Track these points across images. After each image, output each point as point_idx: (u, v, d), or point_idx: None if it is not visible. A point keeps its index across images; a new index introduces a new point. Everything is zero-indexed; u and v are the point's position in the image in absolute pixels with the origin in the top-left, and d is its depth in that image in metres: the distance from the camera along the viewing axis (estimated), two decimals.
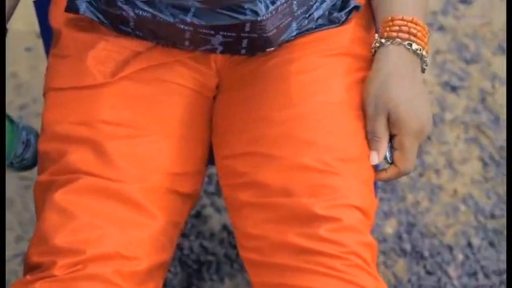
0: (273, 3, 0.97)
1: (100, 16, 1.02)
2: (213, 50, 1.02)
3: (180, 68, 1.04)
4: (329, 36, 1.03)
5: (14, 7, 1.03)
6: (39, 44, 1.75)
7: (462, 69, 1.74)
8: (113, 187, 0.94)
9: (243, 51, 1.02)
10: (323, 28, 1.03)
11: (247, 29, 0.98)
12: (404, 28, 0.98)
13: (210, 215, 1.55)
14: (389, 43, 0.98)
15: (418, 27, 0.99)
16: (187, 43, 1.01)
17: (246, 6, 0.96)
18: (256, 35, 0.99)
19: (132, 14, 0.99)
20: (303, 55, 1.01)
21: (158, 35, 1.01)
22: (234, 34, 0.99)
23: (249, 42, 1.00)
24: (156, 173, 0.98)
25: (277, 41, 1.01)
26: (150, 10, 0.97)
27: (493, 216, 1.54)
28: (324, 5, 1.03)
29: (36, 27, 1.79)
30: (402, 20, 0.99)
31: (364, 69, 1.02)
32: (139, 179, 0.96)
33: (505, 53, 1.76)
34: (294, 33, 1.02)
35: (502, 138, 1.64)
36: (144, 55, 1.03)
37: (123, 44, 1.03)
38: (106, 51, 1.02)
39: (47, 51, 1.23)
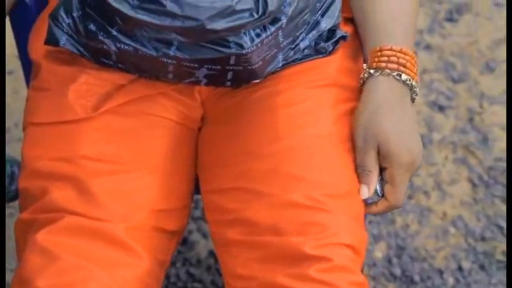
0: (258, 35, 0.95)
1: (81, 49, 1.00)
2: (197, 83, 1.00)
3: (163, 101, 1.02)
4: (316, 67, 1.01)
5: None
6: (20, 67, 1.72)
7: (449, 88, 1.73)
8: (97, 226, 0.92)
9: (228, 83, 1.00)
10: (310, 58, 1.01)
11: (232, 61, 0.96)
12: (393, 58, 0.96)
13: (196, 240, 1.53)
14: (378, 74, 0.97)
15: (407, 57, 0.97)
16: (170, 76, 0.99)
17: (231, 39, 0.94)
18: (241, 68, 0.97)
19: (113, 47, 0.96)
20: (289, 87, 0.99)
21: (141, 68, 0.99)
22: (218, 67, 0.97)
23: (234, 75, 0.98)
24: (140, 210, 0.95)
25: (263, 72, 0.99)
26: (132, 44, 0.95)
27: (483, 238, 1.52)
28: (310, 35, 1.01)
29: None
30: (391, 50, 0.97)
31: (352, 99, 1.00)
32: (123, 217, 0.94)
33: (493, 71, 1.75)
34: (280, 65, 1.00)
35: (490, 158, 1.62)
36: (127, 88, 1.01)
37: (105, 77, 1.00)
38: (87, 85, 0.99)
39: (27, 80, 1.20)
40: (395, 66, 0.96)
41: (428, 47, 1.79)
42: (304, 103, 0.98)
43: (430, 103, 1.70)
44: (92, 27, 0.96)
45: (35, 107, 1.02)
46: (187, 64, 0.96)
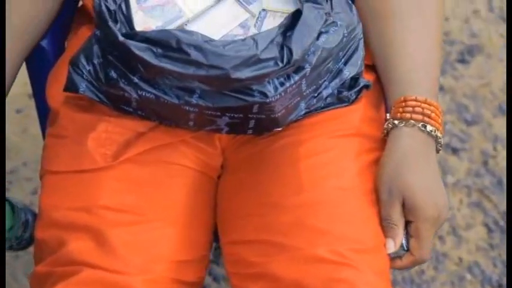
0: (282, 84, 0.93)
1: (100, 96, 0.98)
2: (218, 130, 0.98)
3: (183, 148, 1.00)
4: (338, 116, 0.99)
5: (14, 76, 0.99)
6: (31, 105, 1.70)
7: (462, 130, 1.71)
8: (115, 280, 0.89)
9: (250, 131, 0.98)
10: (332, 107, 1.00)
11: (255, 110, 0.94)
12: (418, 109, 0.95)
13: (208, 284, 1.50)
14: (402, 125, 0.95)
15: (432, 108, 0.95)
16: (191, 123, 0.97)
17: (254, 87, 0.92)
18: (264, 116, 0.95)
19: (134, 95, 0.94)
20: (312, 136, 0.98)
21: (161, 115, 0.97)
22: (241, 115, 0.95)
23: (256, 123, 0.97)
24: (159, 262, 0.93)
25: (285, 121, 0.97)
26: (154, 92, 0.94)
27: (500, 285, 1.50)
28: (333, 84, 1.00)
29: (28, 88, 1.75)
30: (415, 100, 0.95)
31: (375, 149, 0.98)
32: (142, 269, 0.91)
33: (505, 114, 1.73)
34: (303, 113, 0.99)
35: (505, 202, 1.60)
36: (147, 136, 0.99)
37: (125, 125, 0.98)
38: (107, 133, 0.98)
39: (42, 124, 1.19)
40: (420, 117, 0.95)
41: (440, 89, 1.77)
42: (327, 153, 0.97)
43: (444, 145, 1.68)
44: (113, 74, 0.94)
45: (52, 155, 1.00)
46: (209, 112, 0.95)
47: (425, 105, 0.95)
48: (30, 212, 1.12)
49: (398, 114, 0.95)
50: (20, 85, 1.68)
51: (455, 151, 1.68)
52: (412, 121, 0.94)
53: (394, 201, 0.93)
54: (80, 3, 1.14)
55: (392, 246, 0.93)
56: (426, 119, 0.95)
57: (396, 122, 0.95)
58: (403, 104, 0.96)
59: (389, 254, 0.95)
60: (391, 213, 0.93)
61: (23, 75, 1.22)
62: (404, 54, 0.99)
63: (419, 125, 0.95)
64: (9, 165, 1.64)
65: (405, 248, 0.94)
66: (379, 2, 1.01)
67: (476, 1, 1.93)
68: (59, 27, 1.08)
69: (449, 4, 1.90)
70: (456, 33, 1.87)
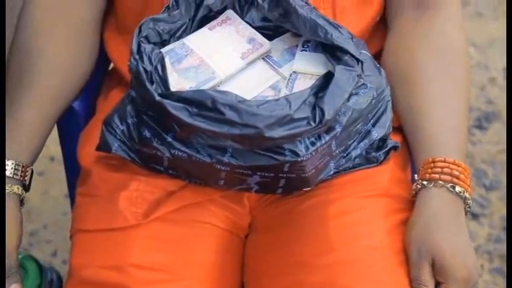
0: (313, 144, 0.95)
1: (132, 155, 0.99)
2: (247, 189, 0.99)
3: (212, 207, 1.01)
4: (367, 177, 1.00)
5: (46, 136, 1.02)
6: (51, 168, 1.72)
7: (482, 196, 1.72)
8: None
9: (280, 190, 0.99)
10: (361, 168, 1.01)
11: (286, 169, 0.95)
12: (447, 170, 0.96)
13: None
14: (431, 185, 0.96)
15: (460, 169, 0.96)
16: (222, 182, 0.98)
17: (286, 147, 0.93)
18: (294, 175, 0.96)
19: (167, 154, 0.96)
20: (341, 196, 0.98)
21: (192, 174, 0.99)
22: (272, 174, 0.96)
23: (286, 182, 0.98)
24: None
25: (315, 180, 0.98)
26: (187, 150, 0.95)
27: None
28: (362, 144, 1.01)
29: (49, 151, 1.76)
30: (444, 161, 0.96)
31: (403, 210, 0.99)
32: None
33: None
34: (332, 172, 1.00)
35: None
36: (177, 195, 1.00)
37: (156, 184, 0.99)
38: (138, 192, 0.99)
39: (70, 185, 1.20)
40: (449, 178, 0.96)
41: None
42: (356, 213, 0.97)
43: None
44: (147, 133, 0.96)
45: (83, 214, 1.01)
46: (241, 171, 0.96)
47: (454, 167, 0.96)
48: (54, 272, 1.12)
49: (427, 175, 0.96)
50: (44, 148, 1.71)
51: (475, 216, 1.68)
52: (441, 182, 0.95)
53: (424, 262, 0.93)
54: (111, 66, 1.16)
55: None
56: (455, 180, 0.96)
57: (425, 182, 0.96)
58: (432, 165, 0.97)
59: None
60: (420, 274, 0.93)
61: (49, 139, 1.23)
62: (432, 117, 1.00)
63: (448, 186, 0.95)
64: (29, 228, 1.65)
65: None
66: (407, 65, 1.03)
67: (491, 69, 1.96)
68: (89, 90, 1.10)
69: None
70: (473, 100, 1.89)
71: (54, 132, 1.13)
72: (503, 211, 1.69)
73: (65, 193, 1.70)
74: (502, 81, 1.93)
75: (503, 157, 1.79)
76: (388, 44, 1.07)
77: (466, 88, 1.03)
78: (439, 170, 0.96)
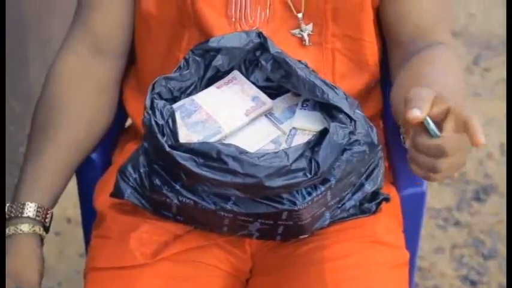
0: (309, 194, 1.03)
1: (143, 201, 1.08)
2: (249, 235, 1.07)
3: (216, 251, 1.08)
4: (360, 225, 1.08)
5: (66, 183, 1.11)
6: (68, 229, 1.80)
7: (480, 264, 1.78)
8: None
9: (279, 237, 1.07)
10: (354, 217, 1.09)
11: (284, 217, 1.03)
12: None
13: None
14: None
15: None
16: (225, 229, 1.06)
17: (284, 196, 1.01)
18: (292, 223, 1.04)
19: (175, 200, 1.04)
20: (335, 242, 1.06)
21: (198, 221, 1.07)
22: (271, 222, 1.04)
23: (284, 229, 1.05)
24: None
25: (311, 228, 1.06)
26: (193, 198, 1.03)
27: None
28: (356, 196, 1.09)
29: (67, 213, 1.85)
30: None
31: (394, 257, 1.06)
32: None
33: None
34: (327, 222, 1.07)
35: None
36: (183, 238, 1.08)
37: (164, 227, 1.08)
38: (148, 234, 1.07)
39: (85, 229, 1.27)
40: None
41: (457, 224, 1.86)
42: (350, 257, 1.05)
43: (462, 277, 1.75)
44: (157, 181, 1.04)
45: (97, 253, 1.09)
46: (242, 218, 1.03)
47: None
48: None
49: None
50: (60, 209, 1.80)
51: (473, 284, 1.74)
52: None
53: (426, 89, 0.91)
54: (127, 123, 1.27)
55: (417, 111, 0.88)
56: None
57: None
58: None
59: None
60: (421, 91, 0.90)
61: (64, 200, 1.32)
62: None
63: None
64: (45, 285, 1.70)
65: (437, 133, 0.90)
66: (405, 75, 1.10)
67: (489, 145, 2.05)
68: (107, 143, 1.20)
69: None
70: (471, 174, 1.97)
71: (71, 195, 1.22)
72: (500, 279, 1.75)
73: (80, 252, 1.78)
74: (499, 157, 2.02)
75: (501, 227, 1.86)
76: (395, 81, 1.14)
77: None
78: None
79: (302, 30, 1.13)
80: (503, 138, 2.04)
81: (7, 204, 1.08)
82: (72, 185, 1.18)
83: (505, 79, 2.24)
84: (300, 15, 1.12)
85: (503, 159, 2.01)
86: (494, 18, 2.50)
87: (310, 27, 1.13)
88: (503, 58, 2.33)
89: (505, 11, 2.33)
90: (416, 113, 0.88)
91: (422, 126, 0.91)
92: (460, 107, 0.90)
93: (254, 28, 1.11)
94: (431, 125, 0.90)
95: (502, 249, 1.81)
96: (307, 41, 1.13)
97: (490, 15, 2.52)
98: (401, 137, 1.02)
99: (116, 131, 1.24)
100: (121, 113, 1.21)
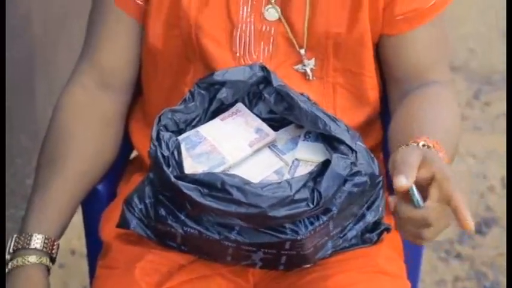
0: (311, 223, 1.04)
1: (148, 232, 1.09)
2: (252, 265, 1.08)
3: (219, 281, 1.10)
4: (362, 255, 1.09)
5: (72, 214, 1.12)
6: (72, 261, 1.81)
7: None
8: None
9: (281, 267, 1.08)
10: (356, 247, 1.10)
11: (287, 246, 1.05)
12: (425, 143, 0.99)
13: None
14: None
15: (438, 146, 1.00)
16: (229, 258, 1.07)
17: (287, 226, 1.03)
18: (294, 252, 1.05)
19: (180, 230, 1.06)
20: (338, 272, 1.08)
21: (202, 250, 1.08)
22: (274, 251, 1.05)
23: (287, 259, 1.07)
24: None
25: (313, 258, 1.07)
26: (198, 228, 1.04)
27: None
28: (357, 227, 1.11)
29: (71, 245, 1.86)
30: (424, 140, 1.00)
31: (396, 286, 1.07)
32: None
33: None
34: (329, 252, 1.09)
35: None
36: (187, 268, 1.09)
37: (169, 257, 1.09)
38: (153, 264, 1.08)
39: (90, 260, 1.29)
40: (425, 143, 0.99)
41: (459, 257, 1.87)
42: (352, 287, 1.06)
43: None
44: (163, 212, 1.06)
45: (102, 284, 1.10)
46: (246, 247, 1.05)
47: (436, 144, 1.00)
48: None
49: (407, 143, 1.00)
50: (65, 241, 1.81)
51: None
52: (423, 143, 0.99)
53: (413, 151, 0.94)
54: (133, 154, 1.29)
55: (403, 180, 0.90)
56: (431, 145, 0.99)
57: (404, 146, 1.00)
58: (412, 140, 1.01)
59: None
60: (408, 156, 0.92)
61: (68, 232, 1.34)
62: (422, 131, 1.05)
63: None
64: None
65: (420, 204, 0.92)
66: (402, 114, 1.13)
67: (490, 178, 2.07)
68: (112, 175, 1.22)
69: (465, 179, 2.04)
70: (473, 207, 1.99)
71: (76, 227, 1.24)
72: None
73: (84, 285, 1.79)
74: (500, 190, 2.04)
75: (502, 260, 1.87)
76: (392, 119, 1.16)
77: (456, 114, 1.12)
78: (418, 141, 1.00)
79: (305, 65, 1.16)
80: (504, 172, 2.06)
81: (14, 236, 1.10)
82: (77, 217, 1.20)
83: (505, 113, 2.27)
84: (302, 50, 1.15)
85: (504, 192, 2.02)
86: (494, 53, 2.53)
87: (312, 62, 1.15)
88: (503, 93, 2.36)
89: (505, 46, 2.37)
90: (402, 182, 0.91)
91: (407, 193, 0.93)
92: (446, 177, 0.92)
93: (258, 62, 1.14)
94: (416, 196, 0.92)
95: (504, 281, 1.82)
96: (310, 75, 1.16)
97: (490, 51, 2.56)
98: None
99: (121, 163, 1.26)
100: (126, 145, 1.24)
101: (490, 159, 2.12)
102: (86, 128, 1.17)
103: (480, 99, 2.37)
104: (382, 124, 1.25)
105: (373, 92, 1.19)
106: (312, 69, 1.16)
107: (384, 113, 1.24)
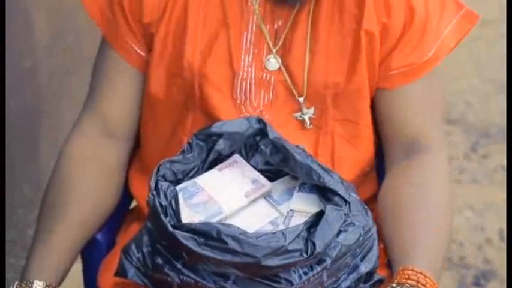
0: (305, 273, 1.06)
1: (146, 281, 1.11)
2: None
3: None
4: None
5: (72, 263, 1.15)
6: None
7: None
8: None
9: None
10: None
11: None
12: (414, 277, 1.07)
13: None
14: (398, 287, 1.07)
15: (428, 280, 1.07)
16: None
17: (282, 275, 1.05)
18: None
19: (177, 279, 1.07)
20: None
21: None
22: None
23: None
24: None
25: None
26: (194, 277, 1.06)
27: None
28: (351, 277, 1.12)
29: None
30: (412, 270, 1.07)
31: None
32: None
33: None
34: None
35: None
36: None
37: None
38: None
39: None
40: (414, 283, 1.06)
41: None
42: None
43: None
44: (160, 260, 1.08)
45: None
46: None
47: (421, 276, 1.06)
48: None
49: (396, 280, 1.07)
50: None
51: None
52: (408, 285, 1.06)
53: None
54: (133, 204, 1.31)
55: None
56: (421, 286, 1.06)
57: (394, 285, 1.07)
58: (401, 272, 1.08)
59: None
60: None
61: (66, 281, 1.35)
62: (413, 247, 1.12)
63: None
64: None
65: None
66: (392, 199, 1.16)
67: (488, 231, 2.08)
68: (112, 224, 1.24)
69: (463, 231, 2.05)
70: (471, 259, 2.00)
71: (74, 276, 1.25)
72: None
73: None
74: (498, 242, 2.05)
75: None
76: (383, 187, 1.21)
77: (445, 212, 1.16)
78: (406, 276, 1.07)
79: (303, 114, 1.18)
80: (503, 224, 2.07)
81: (16, 283, 1.11)
82: (76, 265, 1.21)
83: (503, 166, 2.29)
84: (301, 99, 1.18)
85: (503, 245, 2.04)
86: (492, 107, 2.57)
87: (311, 110, 1.18)
88: (501, 146, 2.39)
89: (503, 99, 2.40)
90: None
91: None
92: None
93: (258, 110, 1.17)
94: None
95: None
96: (308, 124, 1.18)
97: (487, 104, 2.60)
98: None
99: (120, 212, 1.28)
100: (125, 194, 1.26)
101: (488, 211, 2.13)
102: (88, 177, 1.19)
103: (478, 151, 2.40)
104: (377, 176, 1.27)
105: (368, 143, 1.22)
106: (310, 118, 1.18)
107: (379, 165, 1.27)
